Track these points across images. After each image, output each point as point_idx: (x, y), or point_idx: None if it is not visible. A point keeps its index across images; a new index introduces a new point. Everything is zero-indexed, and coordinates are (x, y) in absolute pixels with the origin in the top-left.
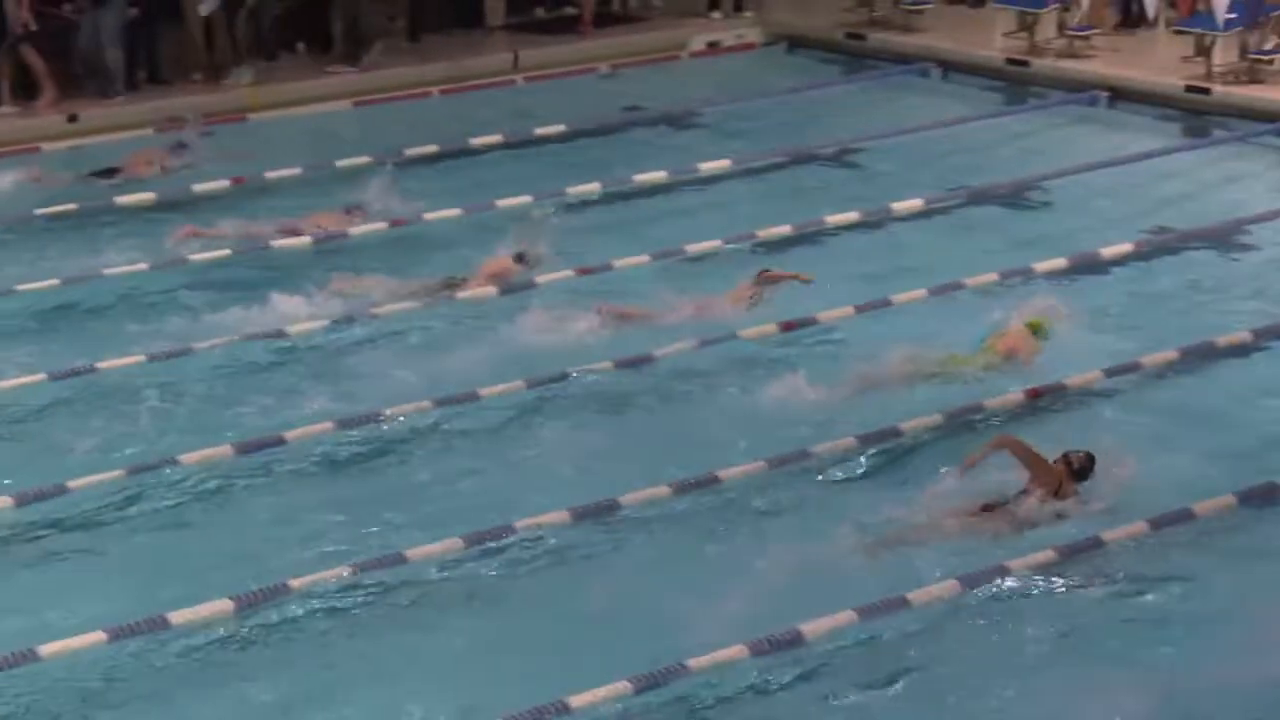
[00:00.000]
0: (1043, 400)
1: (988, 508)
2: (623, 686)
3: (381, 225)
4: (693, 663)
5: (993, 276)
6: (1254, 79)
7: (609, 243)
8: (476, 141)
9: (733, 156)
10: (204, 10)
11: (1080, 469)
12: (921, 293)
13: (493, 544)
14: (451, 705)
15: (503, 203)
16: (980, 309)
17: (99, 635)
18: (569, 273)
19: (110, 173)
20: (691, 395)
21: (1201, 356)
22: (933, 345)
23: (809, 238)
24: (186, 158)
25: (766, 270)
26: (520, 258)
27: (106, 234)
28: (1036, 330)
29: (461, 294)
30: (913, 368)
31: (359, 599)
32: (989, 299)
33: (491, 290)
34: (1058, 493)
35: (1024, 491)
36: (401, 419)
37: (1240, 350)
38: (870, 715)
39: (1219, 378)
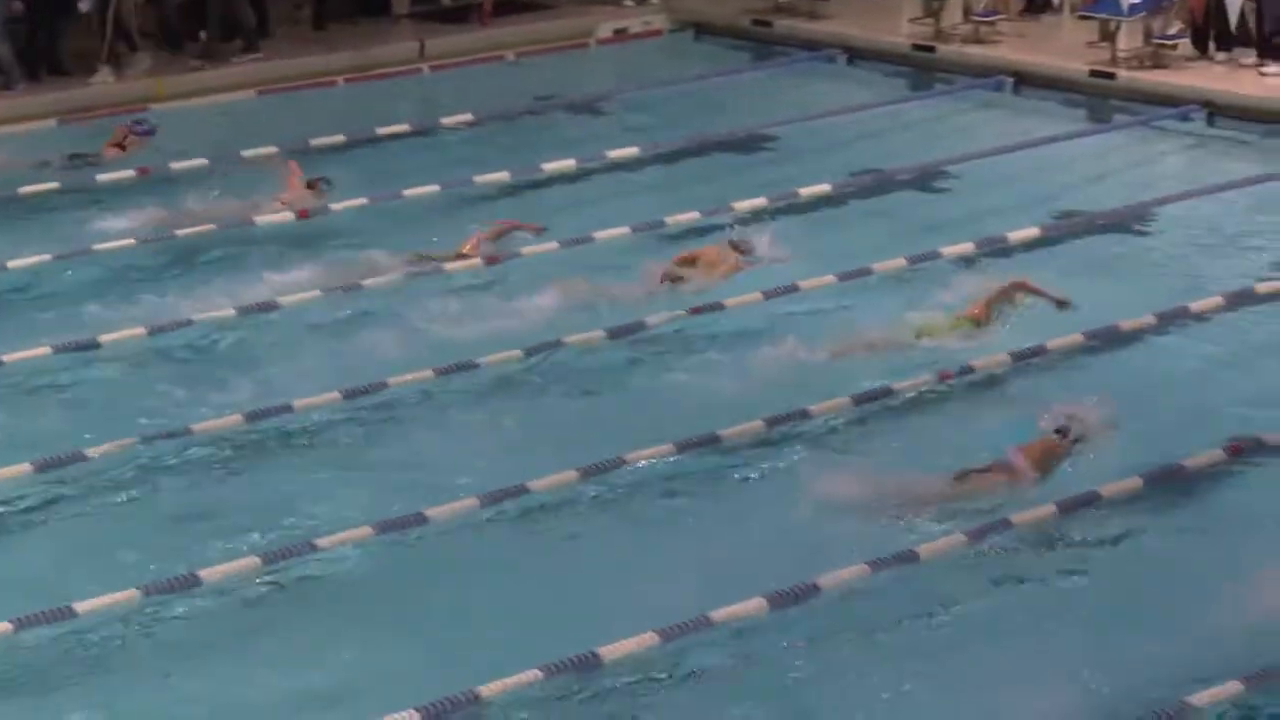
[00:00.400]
0: (952, 384)
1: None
2: (533, 675)
3: (288, 215)
4: (604, 650)
5: (900, 261)
6: (1158, 64)
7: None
8: (383, 131)
9: (640, 144)
10: (84, 7)
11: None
12: (830, 278)
13: (403, 532)
14: (362, 694)
15: (410, 192)
16: (888, 293)
17: (4, 626)
18: (476, 261)
19: (82, 155)
20: (601, 381)
21: (1106, 340)
22: (850, 328)
23: (717, 225)
24: (152, 140)
25: (734, 242)
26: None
27: (12, 224)
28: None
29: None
30: (842, 347)
31: (270, 588)
32: (898, 283)
33: (399, 276)
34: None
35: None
36: (311, 409)
37: (1144, 333)
38: (781, 699)
39: (1123, 361)
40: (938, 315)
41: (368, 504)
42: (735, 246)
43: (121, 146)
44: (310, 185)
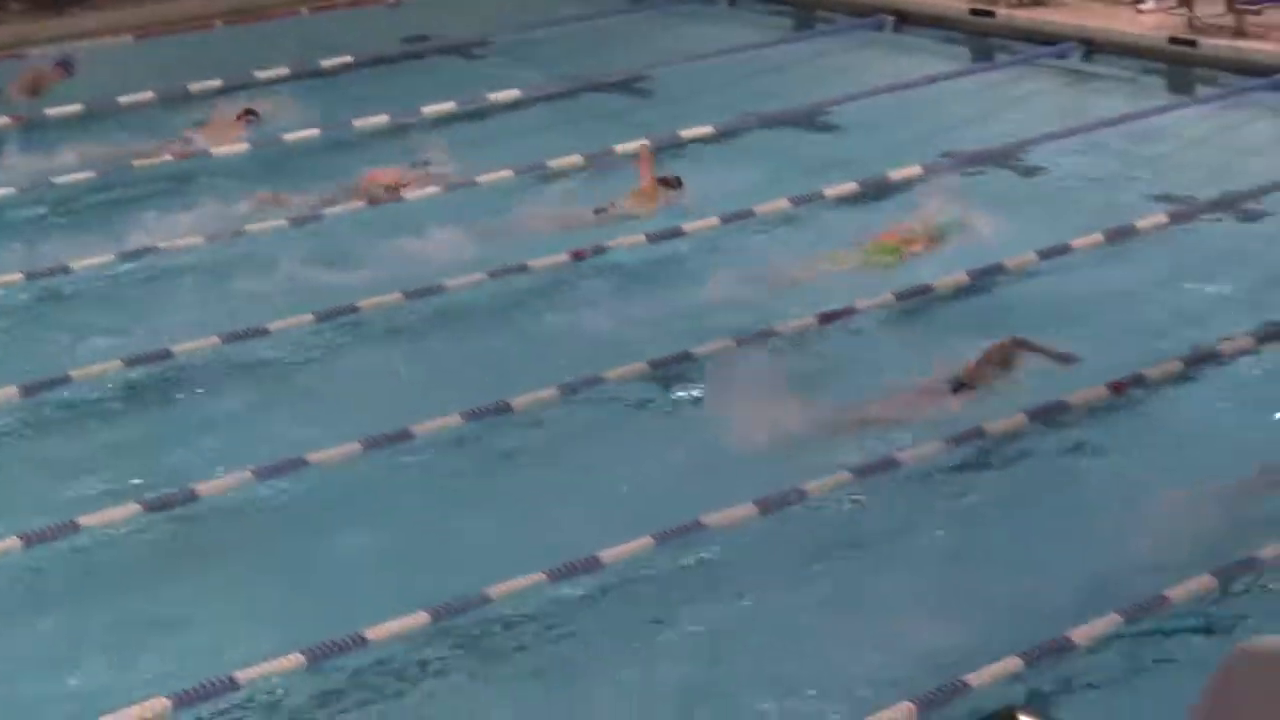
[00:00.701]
0: (833, 324)
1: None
2: (421, 618)
3: (167, 157)
4: (491, 590)
5: (783, 203)
6: (1037, 1)
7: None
8: (262, 74)
9: (522, 86)
10: None
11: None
12: (714, 220)
13: (284, 476)
14: (247, 639)
15: (289, 136)
16: (771, 233)
17: None
18: (359, 204)
19: None
20: (486, 325)
21: (990, 278)
22: (734, 268)
23: (600, 168)
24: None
25: (667, 178)
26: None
27: None
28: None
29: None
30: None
31: (151, 535)
32: (781, 224)
33: (281, 221)
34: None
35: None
36: (191, 354)
37: (1027, 271)
38: (669, 638)
39: (1007, 298)
40: (851, 249)
41: (248, 448)
42: (666, 182)
43: (34, 89)
44: (239, 117)
